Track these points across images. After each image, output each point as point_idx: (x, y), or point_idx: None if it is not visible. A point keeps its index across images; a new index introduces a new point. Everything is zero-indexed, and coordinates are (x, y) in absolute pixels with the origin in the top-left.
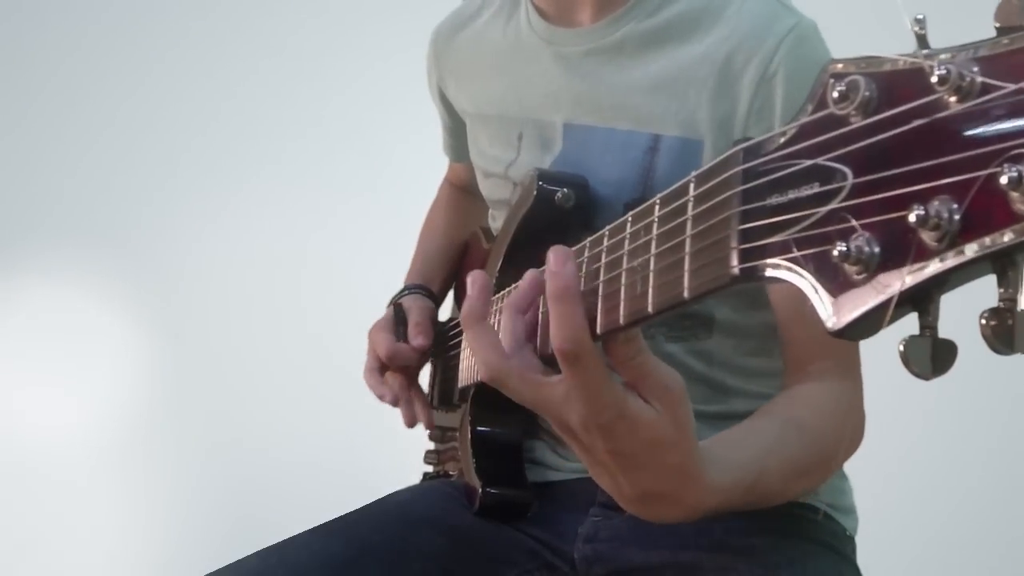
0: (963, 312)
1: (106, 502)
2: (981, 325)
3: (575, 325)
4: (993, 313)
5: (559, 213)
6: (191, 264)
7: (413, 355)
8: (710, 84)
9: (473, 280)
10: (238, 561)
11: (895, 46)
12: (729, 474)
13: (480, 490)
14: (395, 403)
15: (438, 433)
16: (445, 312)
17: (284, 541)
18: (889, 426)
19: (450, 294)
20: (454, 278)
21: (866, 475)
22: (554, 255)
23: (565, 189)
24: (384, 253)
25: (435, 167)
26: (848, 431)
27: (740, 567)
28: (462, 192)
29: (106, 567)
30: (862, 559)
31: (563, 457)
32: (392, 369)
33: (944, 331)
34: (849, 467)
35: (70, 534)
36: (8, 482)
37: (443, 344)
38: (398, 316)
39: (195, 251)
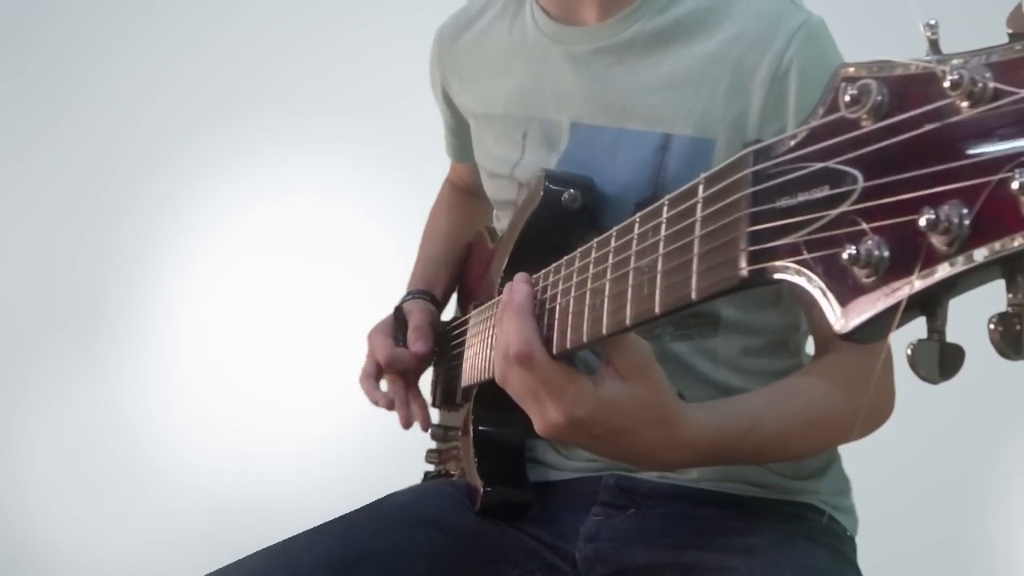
0: (965, 312)
1: (106, 501)
2: (989, 330)
3: (526, 333)
4: (1001, 318)
5: (566, 214)
6: (192, 260)
7: (412, 360)
8: (723, 83)
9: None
10: (239, 561)
11: (897, 41)
12: (713, 414)
13: (482, 490)
14: (390, 408)
15: (440, 432)
16: (448, 314)
17: (285, 541)
18: (889, 426)
19: (454, 296)
20: (457, 280)
21: (866, 475)
22: (516, 280)
23: (572, 190)
24: (386, 253)
25: (439, 166)
26: (864, 398)
27: (741, 566)
28: (464, 193)
29: (108, 567)
30: (862, 559)
31: (564, 456)
32: (390, 374)
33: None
34: (849, 467)
35: (70, 535)
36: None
37: (447, 344)
38: (398, 320)
39: (196, 248)
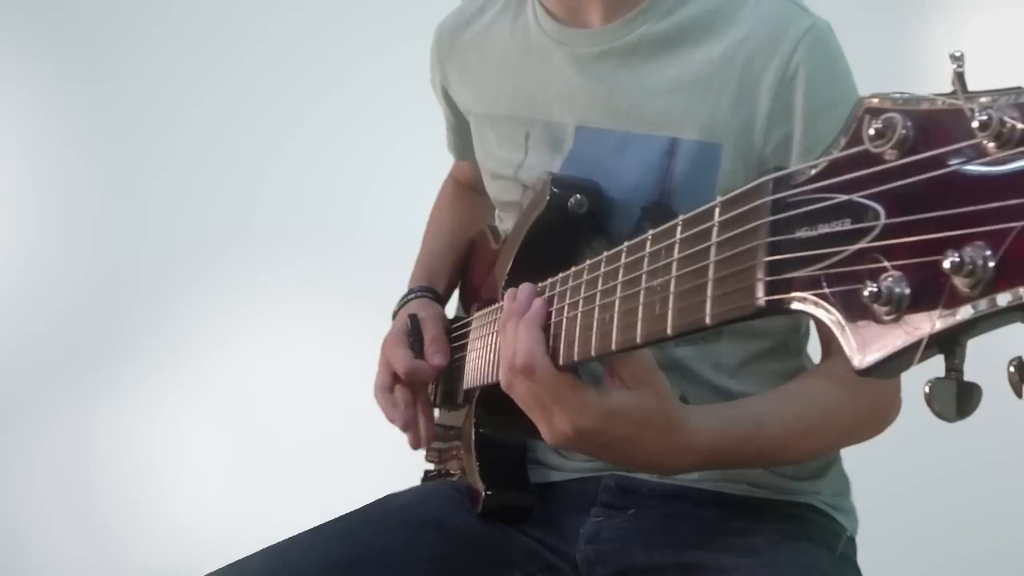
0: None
1: (107, 502)
2: (1009, 373)
3: (532, 345)
4: (1020, 362)
5: (571, 219)
6: (189, 263)
7: (432, 373)
8: (730, 88)
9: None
10: (240, 561)
11: (897, 43)
12: (717, 419)
13: (483, 493)
14: (405, 429)
15: (440, 431)
16: (450, 312)
17: (286, 542)
18: (889, 426)
19: (455, 294)
20: (459, 277)
21: (866, 475)
22: (522, 290)
23: (578, 195)
24: (388, 251)
25: (441, 165)
26: (868, 403)
27: (741, 567)
28: (467, 189)
29: (109, 568)
30: (862, 559)
31: (565, 457)
32: (406, 384)
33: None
34: (849, 467)
35: (70, 540)
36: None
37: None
38: (414, 329)
39: (195, 247)
